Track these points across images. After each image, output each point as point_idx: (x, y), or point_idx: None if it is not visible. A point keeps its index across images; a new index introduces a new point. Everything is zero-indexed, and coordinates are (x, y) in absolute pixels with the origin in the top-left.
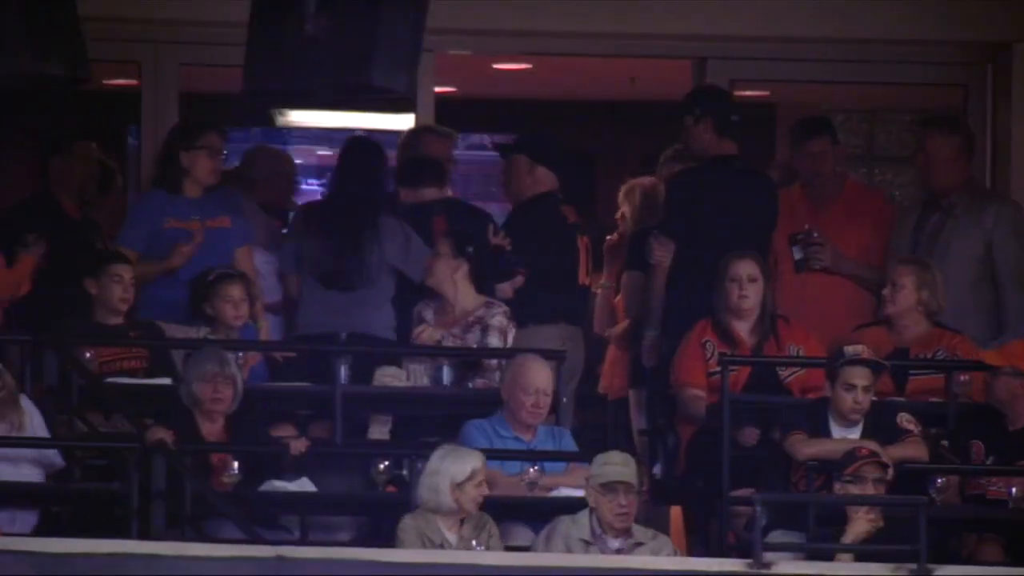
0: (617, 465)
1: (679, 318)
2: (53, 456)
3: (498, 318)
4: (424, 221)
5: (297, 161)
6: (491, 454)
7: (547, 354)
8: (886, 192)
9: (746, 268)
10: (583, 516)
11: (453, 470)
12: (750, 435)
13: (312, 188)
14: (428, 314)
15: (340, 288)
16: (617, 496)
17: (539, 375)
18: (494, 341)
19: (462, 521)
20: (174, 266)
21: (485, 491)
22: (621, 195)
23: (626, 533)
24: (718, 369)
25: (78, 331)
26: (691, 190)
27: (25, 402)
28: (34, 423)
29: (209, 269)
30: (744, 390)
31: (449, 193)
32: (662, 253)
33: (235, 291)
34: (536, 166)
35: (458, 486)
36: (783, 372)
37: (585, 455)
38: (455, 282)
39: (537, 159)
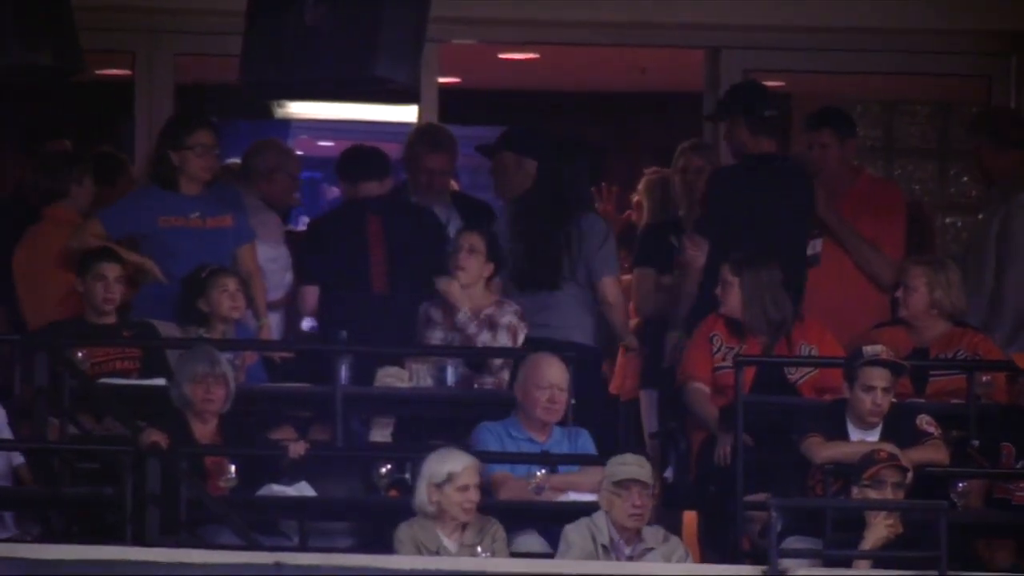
0: (632, 465)
1: (704, 318)
2: (14, 455)
3: (508, 317)
4: (357, 220)
5: (298, 153)
6: (504, 458)
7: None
8: (902, 187)
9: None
10: (600, 518)
11: (431, 471)
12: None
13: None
14: (436, 313)
15: (536, 288)
16: (631, 495)
17: (553, 371)
18: (503, 340)
19: (464, 527)
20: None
21: (472, 496)
22: (641, 187)
23: (637, 535)
24: (724, 364)
25: (70, 331)
26: (731, 188)
27: None
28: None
29: (203, 266)
30: (751, 390)
31: (390, 187)
32: (695, 252)
33: (230, 282)
34: (524, 160)
35: (436, 487)
36: (792, 373)
37: (600, 458)
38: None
39: (523, 153)
